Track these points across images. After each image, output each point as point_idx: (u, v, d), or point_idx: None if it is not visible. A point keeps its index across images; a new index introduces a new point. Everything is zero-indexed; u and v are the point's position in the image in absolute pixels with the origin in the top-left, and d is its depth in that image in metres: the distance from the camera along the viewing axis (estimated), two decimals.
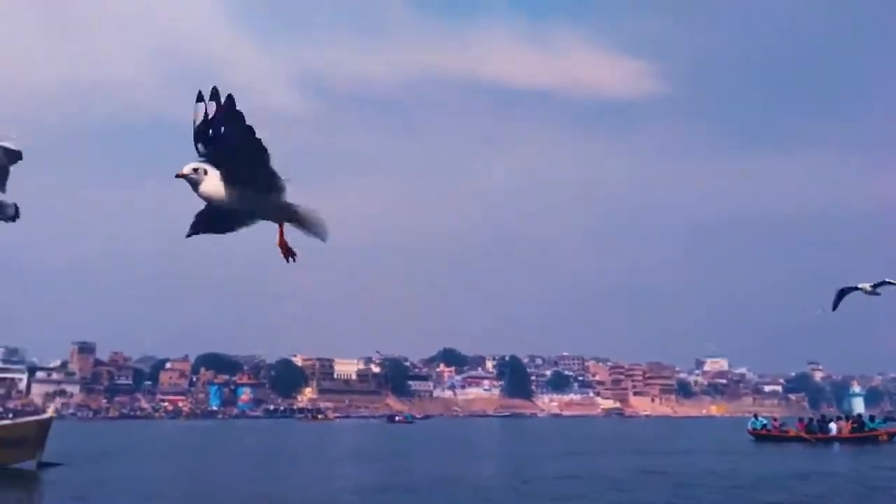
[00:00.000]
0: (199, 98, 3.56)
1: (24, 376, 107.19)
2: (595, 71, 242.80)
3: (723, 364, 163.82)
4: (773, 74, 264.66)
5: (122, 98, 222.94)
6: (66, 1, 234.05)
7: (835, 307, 17.36)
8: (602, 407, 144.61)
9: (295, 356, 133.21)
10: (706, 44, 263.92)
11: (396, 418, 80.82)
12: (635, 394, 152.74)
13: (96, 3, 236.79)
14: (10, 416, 74.21)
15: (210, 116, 3.53)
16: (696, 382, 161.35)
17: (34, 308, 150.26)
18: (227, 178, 3.84)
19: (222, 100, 3.51)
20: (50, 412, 14.49)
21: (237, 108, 3.50)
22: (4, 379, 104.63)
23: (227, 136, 3.55)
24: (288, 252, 4.21)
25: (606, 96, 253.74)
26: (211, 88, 3.55)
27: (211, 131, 3.56)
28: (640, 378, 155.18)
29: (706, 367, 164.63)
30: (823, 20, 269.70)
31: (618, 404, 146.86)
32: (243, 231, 4.29)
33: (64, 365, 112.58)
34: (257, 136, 3.53)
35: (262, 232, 4.37)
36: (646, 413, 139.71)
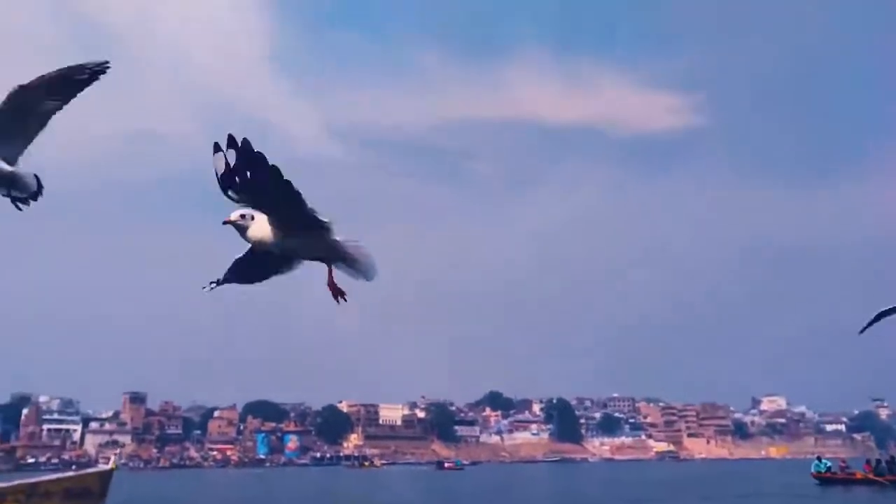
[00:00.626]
0: (217, 148, 3.58)
1: (79, 427, 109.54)
2: (629, 106, 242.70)
3: (781, 403, 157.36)
4: (819, 101, 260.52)
5: (166, 148, 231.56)
6: (109, 50, 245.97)
7: (864, 329, 15.92)
8: (655, 450, 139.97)
9: (340, 402, 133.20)
10: (743, 74, 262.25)
11: (446, 465, 79.57)
12: (689, 435, 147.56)
13: (138, 53, 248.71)
14: (73, 467, 75.83)
15: (232, 163, 3.54)
16: (752, 423, 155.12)
17: (88, 359, 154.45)
18: (273, 220, 3.89)
19: (242, 146, 3.51)
20: (111, 464, 14.66)
21: (257, 151, 3.50)
22: (60, 430, 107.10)
23: (254, 180, 3.55)
24: (338, 292, 4.22)
25: (642, 131, 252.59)
26: (227, 136, 3.56)
27: (237, 177, 3.56)
28: (694, 419, 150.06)
29: (763, 406, 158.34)
30: (868, 41, 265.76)
31: (671, 447, 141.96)
32: (274, 279, 4.37)
33: (116, 415, 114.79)
34: (284, 176, 3.53)
35: (306, 278, 4.34)
36: (701, 455, 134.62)
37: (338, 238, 4.07)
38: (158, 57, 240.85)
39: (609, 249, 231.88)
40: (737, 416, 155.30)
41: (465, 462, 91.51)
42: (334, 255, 4.09)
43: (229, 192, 3.61)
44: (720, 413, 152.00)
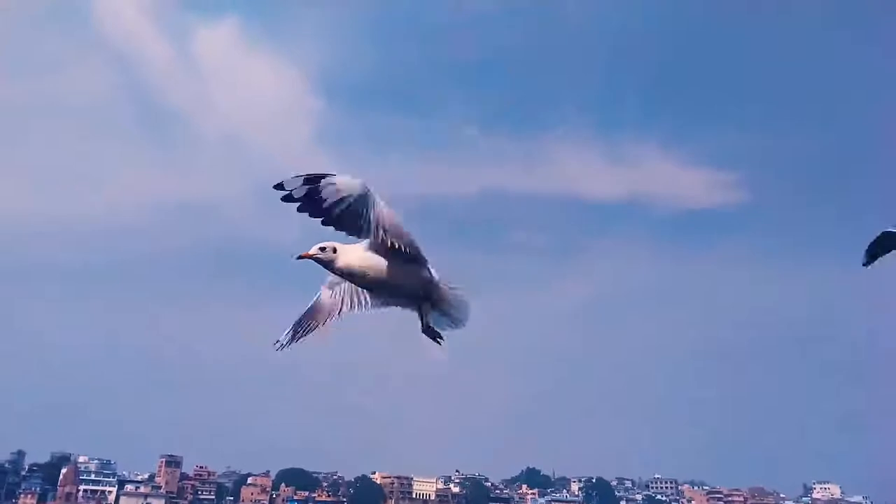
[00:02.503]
0: (280, 187, 3.71)
1: (115, 489, 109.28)
2: (669, 182, 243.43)
3: (835, 491, 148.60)
4: (860, 183, 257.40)
5: (217, 218, 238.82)
6: (163, 122, 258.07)
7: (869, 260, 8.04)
8: None
9: (374, 473, 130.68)
10: (783, 150, 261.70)
11: None
12: None
13: (191, 125, 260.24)
14: None
15: (311, 196, 3.61)
16: None
17: (126, 420, 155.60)
18: (374, 245, 3.82)
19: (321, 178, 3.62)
20: None
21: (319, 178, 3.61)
22: (96, 491, 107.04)
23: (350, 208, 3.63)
24: (434, 333, 4.17)
25: (683, 207, 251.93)
26: (304, 177, 3.67)
27: (323, 208, 3.61)
28: None
29: (815, 494, 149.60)
30: None
31: None
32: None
33: (151, 478, 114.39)
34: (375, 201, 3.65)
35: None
36: None
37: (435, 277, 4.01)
38: (213, 134, 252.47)
39: (650, 325, 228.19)
40: (787, 503, 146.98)
41: None
42: (431, 291, 4.00)
43: (329, 225, 3.65)
44: (769, 500, 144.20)
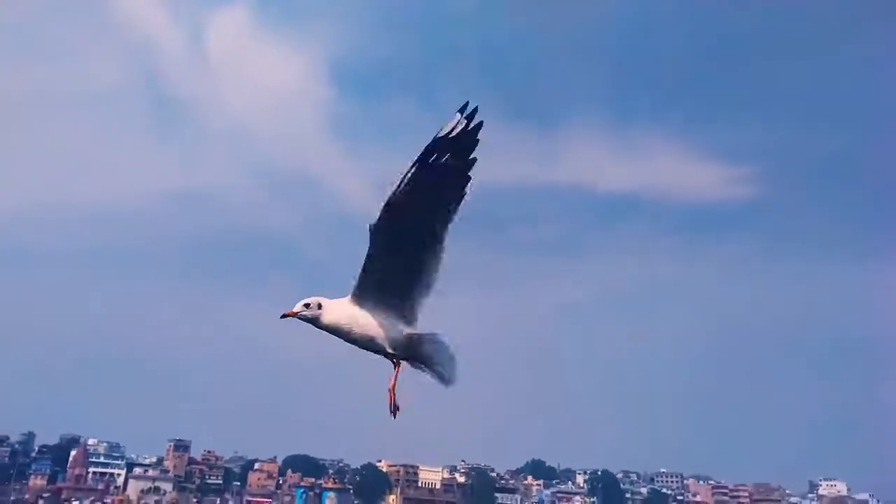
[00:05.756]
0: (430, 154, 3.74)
1: (123, 472, 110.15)
2: (682, 175, 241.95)
3: (841, 488, 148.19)
4: (877, 175, 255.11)
5: (220, 206, 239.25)
6: (171, 113, 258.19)
7: None
8: None
9: (379, 461, 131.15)
10: (800, 145, 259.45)
11: None
12: None
13: (198, 116, 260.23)
14: None
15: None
16: None
17: (135, 403, 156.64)
18: (358, 297, 3.80)
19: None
20: None
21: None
22: (105, 473, 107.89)
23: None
24: (394, 406, 4.03)
25: (695, 201, 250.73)
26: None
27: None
28: (747, 500, 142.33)
29: (822, 491, 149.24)
30: None
31: None
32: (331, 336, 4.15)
33: (160, 461, 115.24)
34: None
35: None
36: None
37: (416, 331, 3.95)
38: (223, 122, 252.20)
39: (659, 320, 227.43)
40: (793, 500, 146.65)
41: None
42: (415, 346, 3.92)
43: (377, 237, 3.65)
44: (775, 496, 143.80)
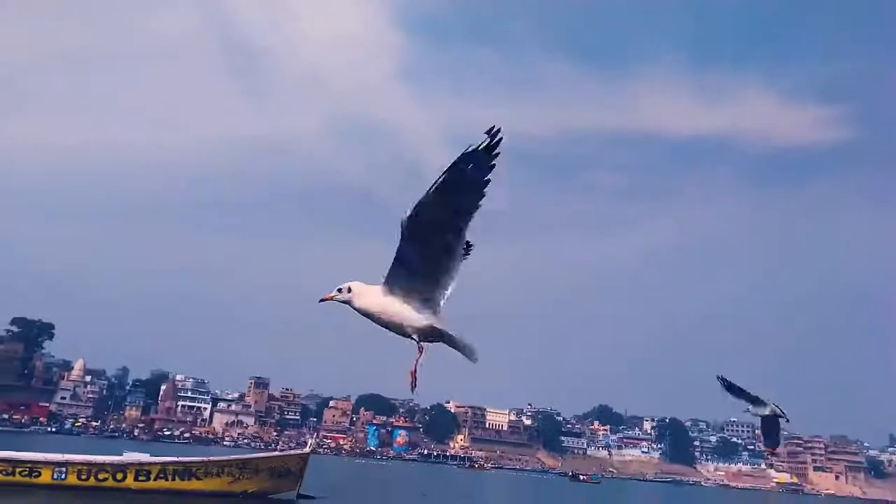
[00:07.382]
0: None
1: (209, 406, 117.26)
2: (767, 118, 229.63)
3: None
4: None
5: (296, 153, 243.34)
6: (248, 60, 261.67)
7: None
8: (776, 480, 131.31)
9: (448, 402, 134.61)
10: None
11: (581, 477, 77.96)
12: (816, 469, 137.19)
13: (275, 64, 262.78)
14: (278, 447, 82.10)
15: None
16: (890, 461, 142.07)
17: (219, 344, 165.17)
18: (392, 284, 4.05)
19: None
20: (308, 448, 15.50)
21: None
22: (192, 407, 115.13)
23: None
24: (414, 381, 4.28)
25: (781, 144, 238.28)
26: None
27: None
28: (822, 452, 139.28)
29: None
30: None
31: (795, 479, 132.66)
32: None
33: (241, 397, 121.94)
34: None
35: None
36: (828, 491, 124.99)
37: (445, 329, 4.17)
38: (297, 69, 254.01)
39: (736, 269, 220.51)
40: (871, 453, 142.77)
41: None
42: (440, 338, 4.17)
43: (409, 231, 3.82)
44: (852, 448, 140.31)
